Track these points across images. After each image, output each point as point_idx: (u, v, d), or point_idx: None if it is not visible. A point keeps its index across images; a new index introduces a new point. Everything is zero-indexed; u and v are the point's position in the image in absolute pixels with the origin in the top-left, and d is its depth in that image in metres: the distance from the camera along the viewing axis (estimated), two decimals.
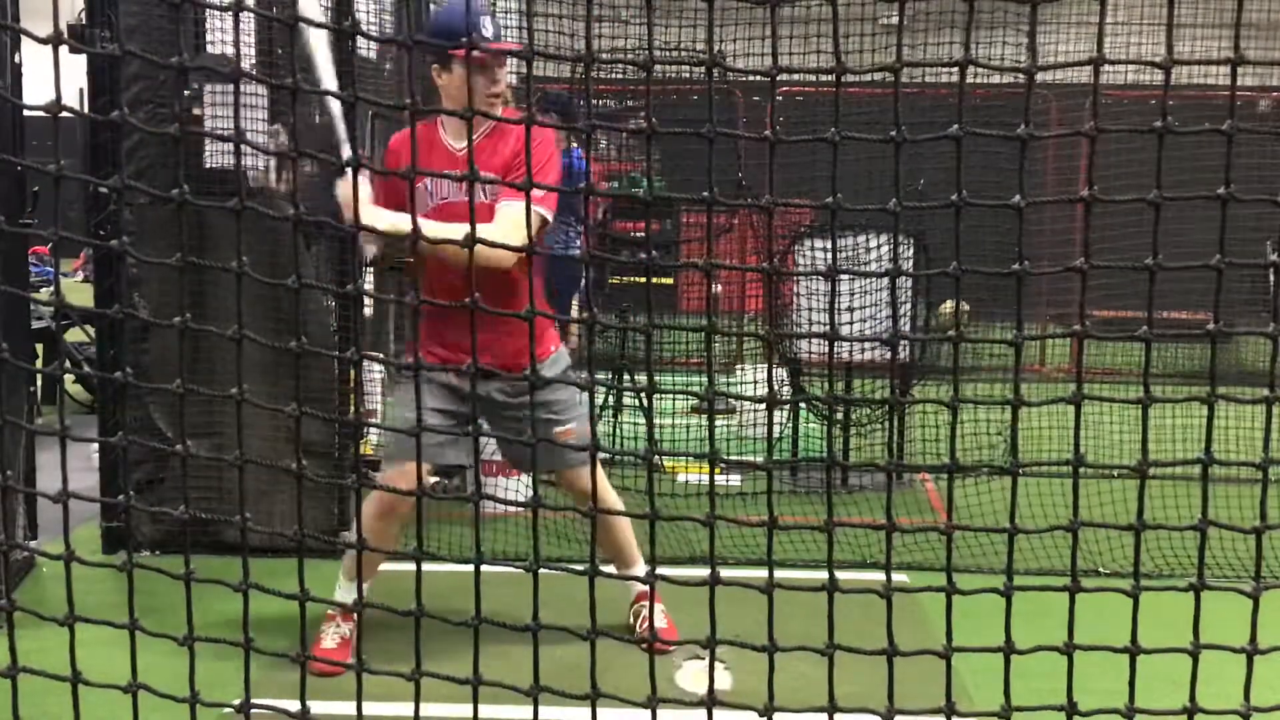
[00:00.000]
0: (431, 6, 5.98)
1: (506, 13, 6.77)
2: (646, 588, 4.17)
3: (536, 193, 3.55)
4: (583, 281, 6.91)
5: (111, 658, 2.15)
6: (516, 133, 3.73)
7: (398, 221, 3.42)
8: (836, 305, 1.97)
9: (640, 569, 4.24)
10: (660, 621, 4.20)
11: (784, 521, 1.95)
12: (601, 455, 2.09)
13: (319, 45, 3.67)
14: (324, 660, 3.40)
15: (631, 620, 4.26)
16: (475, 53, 2.19)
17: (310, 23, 2.49)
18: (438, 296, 4.06)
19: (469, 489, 5.74)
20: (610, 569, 4.08)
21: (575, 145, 6.65)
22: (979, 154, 6.00)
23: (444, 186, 3.86)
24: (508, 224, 3.58)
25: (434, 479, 6.32)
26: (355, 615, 4.10)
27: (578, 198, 6.48)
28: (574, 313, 6.93)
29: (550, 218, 3.77)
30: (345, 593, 4.01)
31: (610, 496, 4.20)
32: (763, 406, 7.20)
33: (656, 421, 6.49)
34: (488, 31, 3.83)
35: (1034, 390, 1.93)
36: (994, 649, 1.93)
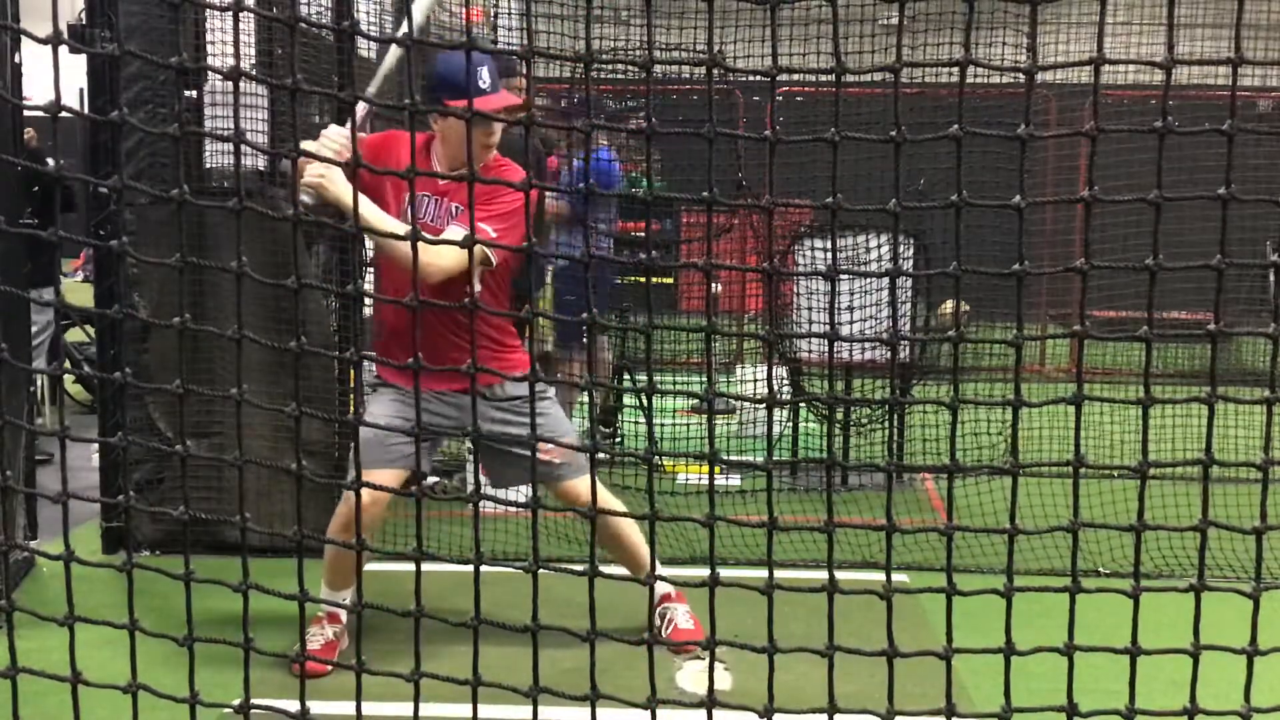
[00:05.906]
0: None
1: (507, 13, 6.76)
2: (670, 589, 4.21)
3: (488, 231, 3.65)
4: (591, 288, 6.89)
5: (111, 658, 2.15)
6: (497, 176, 3.81)
7: (347, 198, 3.37)
8: (836, 305, 1.97)
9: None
10: (686, 622, 4.20)
11: (784, 521, 1.95)
12: (600, 457, 2.09)
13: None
14: (312, 659, 3.43)
15: (657, 621, 4.20)
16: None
17: (310, 24, 2.49)
18: (385, 316, 4.10)
19: (468, 489, 5.75)
20: (613, 569, 4.05)
21: (606, 145, 6.62)
22: (979, 154, 6.00)
23: (423, 207, 3.88)
24: (443, 247, 3.47)
25: (434, 479, 6.32)
26: (343, 619, 4.12)
27: (595, 202, 6.46)
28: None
29: (494, 262, 3.73)
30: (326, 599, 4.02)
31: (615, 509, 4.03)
32: (763, 406, 7.19)
33: (656, 421, 6.49)
34: (485, 83, 3.84)
35: (1034, 390, 1.92)
36: (994, 650, 1.92)
